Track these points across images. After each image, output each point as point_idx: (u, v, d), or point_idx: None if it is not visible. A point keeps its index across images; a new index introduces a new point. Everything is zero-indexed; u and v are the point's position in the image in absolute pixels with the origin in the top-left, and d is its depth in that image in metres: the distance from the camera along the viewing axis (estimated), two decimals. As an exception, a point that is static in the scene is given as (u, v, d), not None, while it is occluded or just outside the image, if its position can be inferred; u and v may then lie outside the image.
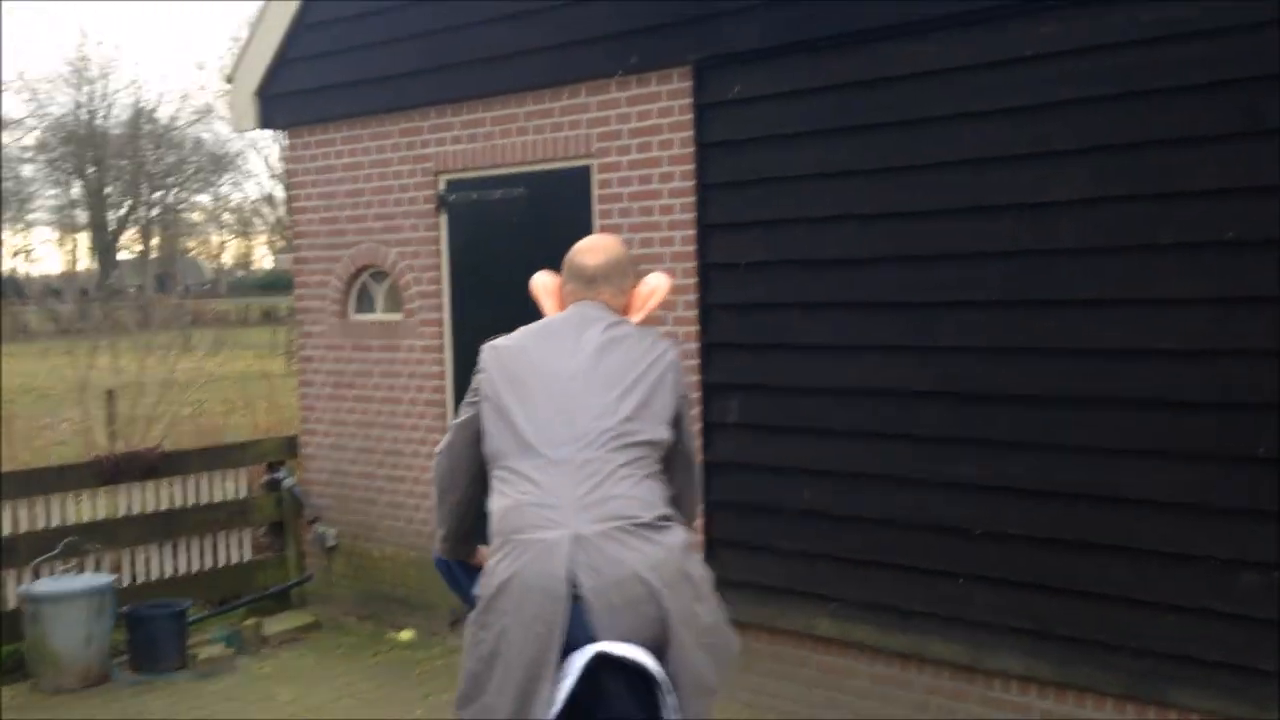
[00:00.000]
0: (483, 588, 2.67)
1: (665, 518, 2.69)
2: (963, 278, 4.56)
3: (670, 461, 2.84)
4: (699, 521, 4.82)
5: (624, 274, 3.00)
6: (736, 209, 5.21)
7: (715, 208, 5.28)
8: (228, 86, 7.41)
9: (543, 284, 3.11)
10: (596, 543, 2.57)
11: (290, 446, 7.38)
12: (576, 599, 2.54)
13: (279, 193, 33.38)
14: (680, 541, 2.68)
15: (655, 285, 3.06)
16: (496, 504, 2.72)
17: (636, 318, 2.98)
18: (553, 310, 3.04)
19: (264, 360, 16.35)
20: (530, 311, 3.09)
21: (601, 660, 2.54)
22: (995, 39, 4.43)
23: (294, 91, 6.97)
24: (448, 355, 6.45)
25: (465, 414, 2.89)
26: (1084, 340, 4.29)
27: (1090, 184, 4.24)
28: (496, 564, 2.64)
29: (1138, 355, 4.18)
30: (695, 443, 3.10)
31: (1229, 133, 3.94)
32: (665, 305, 5.24)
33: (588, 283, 2.97)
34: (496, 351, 2.88)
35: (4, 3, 25.75)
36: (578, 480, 2.64)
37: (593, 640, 2.54)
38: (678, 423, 2.86)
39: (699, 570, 2.72)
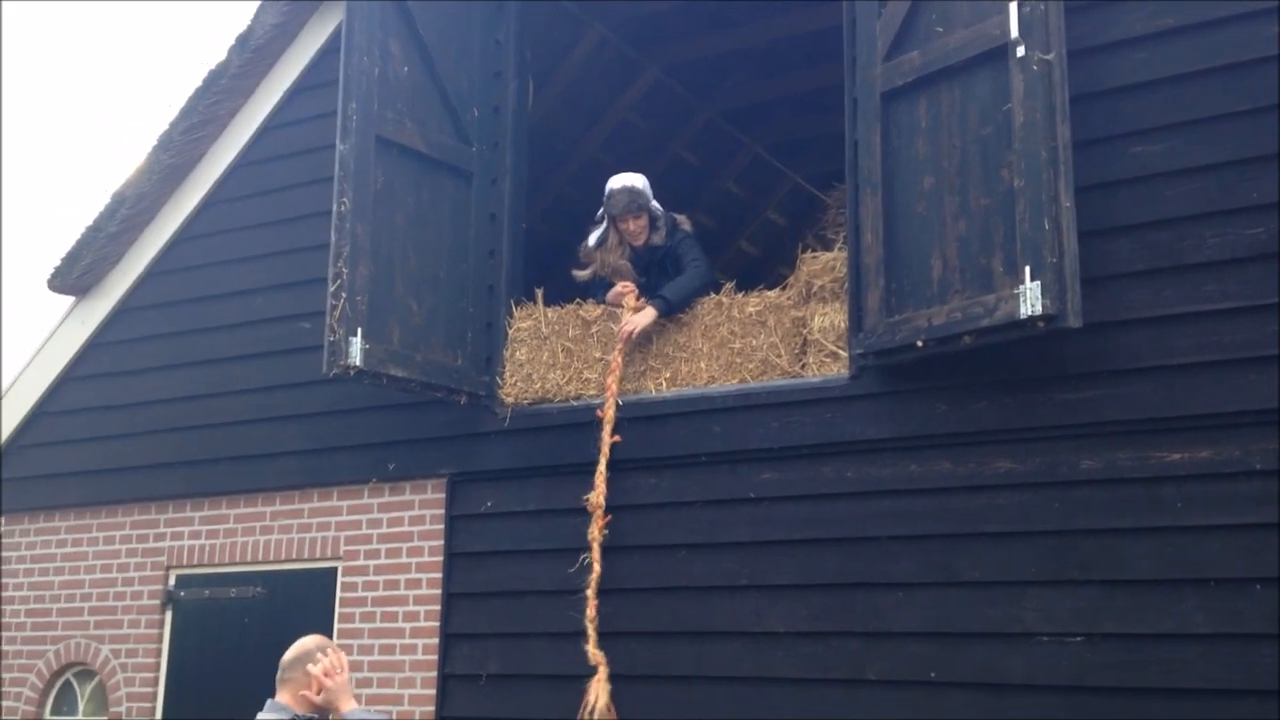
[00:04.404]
0: None
1: None
2: (681, 700, 4.81)
3: None
4: None
5: (302, 664, 3.48)
6: (480, 620, 5.37)
7: (460, 618, 5.42)
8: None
9: None
10: None
11: None
12: None
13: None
14: None
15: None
16: None
17: (319, 698, 3.46)
18: None
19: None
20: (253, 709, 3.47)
21: None
22: (721, 480, 4.98)
23: (19, 478, 6.74)
24: (151, 765, 6.02)
25: None
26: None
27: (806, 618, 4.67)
28: None
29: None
30: None
31: (929, 581, 4.47)
32: (403, 717, 5.25)
33: (279, 681, 3.51)
34: None
35: (4, 2, 23.54)
36: None
37: None
38: None
39: None
